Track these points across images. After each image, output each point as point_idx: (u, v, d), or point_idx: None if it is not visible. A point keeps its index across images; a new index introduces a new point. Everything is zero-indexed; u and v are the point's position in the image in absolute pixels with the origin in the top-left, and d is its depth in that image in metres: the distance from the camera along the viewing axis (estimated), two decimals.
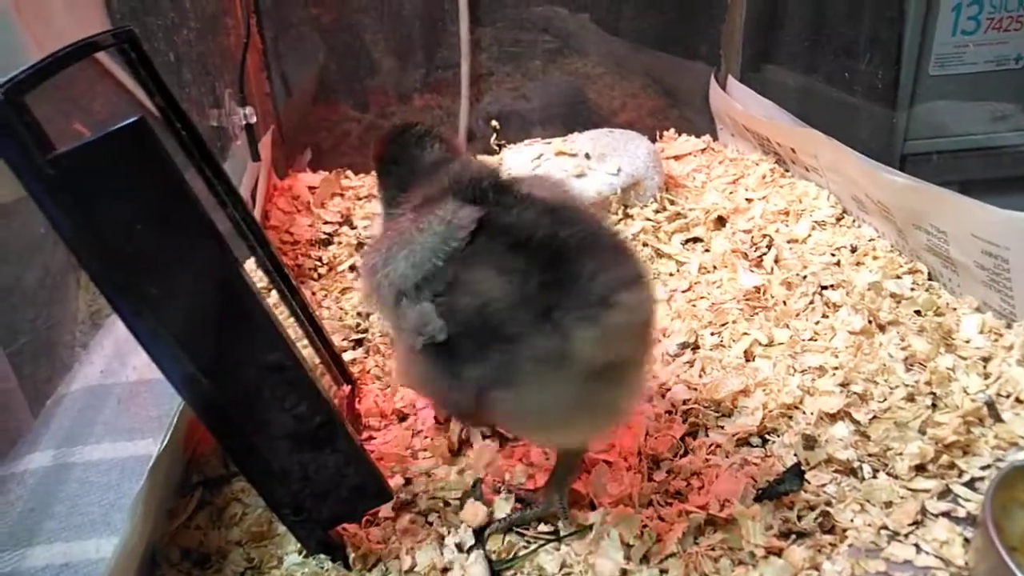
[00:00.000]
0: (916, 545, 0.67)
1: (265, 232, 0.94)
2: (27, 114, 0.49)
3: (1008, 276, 0.90)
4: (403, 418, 0.91)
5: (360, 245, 1.29)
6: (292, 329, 0.93)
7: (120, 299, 0.59)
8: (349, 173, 1.56)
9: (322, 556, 0.69)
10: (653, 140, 1.64)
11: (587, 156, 1.39)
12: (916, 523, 0.69)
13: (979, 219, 0.91)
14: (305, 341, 0.94)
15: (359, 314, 1.11)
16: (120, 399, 0.92)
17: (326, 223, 1.35)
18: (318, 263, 1.24)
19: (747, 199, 1.37)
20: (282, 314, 0.94)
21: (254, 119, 1.30)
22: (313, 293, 1.17)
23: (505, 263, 0.58)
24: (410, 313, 0.61)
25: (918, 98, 1.54)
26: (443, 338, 0.59)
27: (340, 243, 1.30)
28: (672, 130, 1.74)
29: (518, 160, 1.42)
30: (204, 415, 0.65)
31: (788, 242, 1.20)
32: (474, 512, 0.75)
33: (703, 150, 1.65)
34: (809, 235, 1.22)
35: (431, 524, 0.74)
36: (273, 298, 0.96)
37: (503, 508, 0.73)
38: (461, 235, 0.60)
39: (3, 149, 0.49)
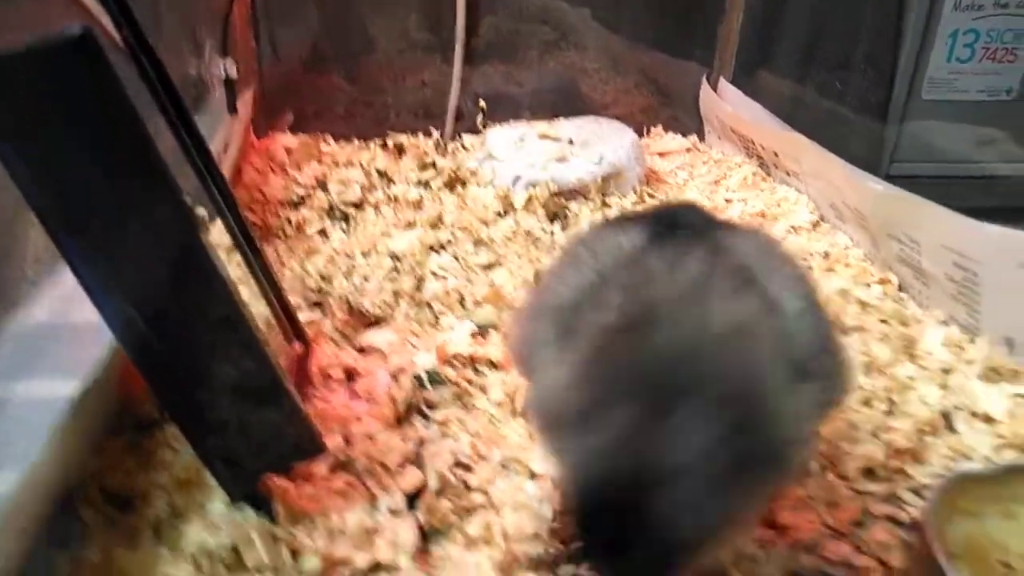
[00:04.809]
0: (855, 545, 0.65)
1: (230, 185, 0.91)
2: None
3: (976, 290, 0.89)
4: (352, 380, 0.88)
5: (332, 209, 1.26)
6: (249, 285, 0.90)
7: (62, 235, 0.57)
8: (329, 139, 1.53)
9: (247, 507, 0.66)
10: (640, 135, 1.62)
11: (571, 142, 1.37)
12: (858, 524, 0.67)
13: (952, 229, 0.90)
14: (261, 297, 0.92)
15: (322, 277, 1.09)
16: (61, 339, 0.89)
17: (300, 185, 1.32)
18: (287, 223, 1.21)
19: (727, 199, 1.35)
20: (239, 268, 0.92)
21: (235, 73, 1.27)
22: (277, 252, 1.14)
23: None
24: None
25: (908, 120, 1.54)
26: None
27: (312, 206, 1.27)
28: (660, 127, 1.73)
29: (500, 140, 1.40)
30: (143, 364, 0.63)
31: None
32: (412, 479, 0.73)
33: (688, 149, 1.64)
34: (784, 239, 1.21)
35: (366, 486, 0.72)
36: (231, 248, 0.93)
37: None
38: None
39: None
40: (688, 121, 1.76)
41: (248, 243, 0.90)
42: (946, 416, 0.80)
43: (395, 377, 0.89)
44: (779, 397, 0.44)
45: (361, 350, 0.94)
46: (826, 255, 1.14)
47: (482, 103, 1.63)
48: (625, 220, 0.63)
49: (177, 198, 0.59)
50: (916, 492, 0.71)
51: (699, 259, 0.49)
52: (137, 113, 0.55)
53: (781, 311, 0.49)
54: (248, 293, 0.92)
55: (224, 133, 1.23)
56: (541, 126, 1.42)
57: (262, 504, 0.68)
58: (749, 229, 0.63)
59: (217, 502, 0.68)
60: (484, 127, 1.57)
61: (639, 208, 1.31)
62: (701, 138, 1.70)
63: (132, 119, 0.55)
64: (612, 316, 0.46)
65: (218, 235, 0.95)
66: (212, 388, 0.65)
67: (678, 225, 0.57)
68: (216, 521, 0.66)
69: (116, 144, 0.55)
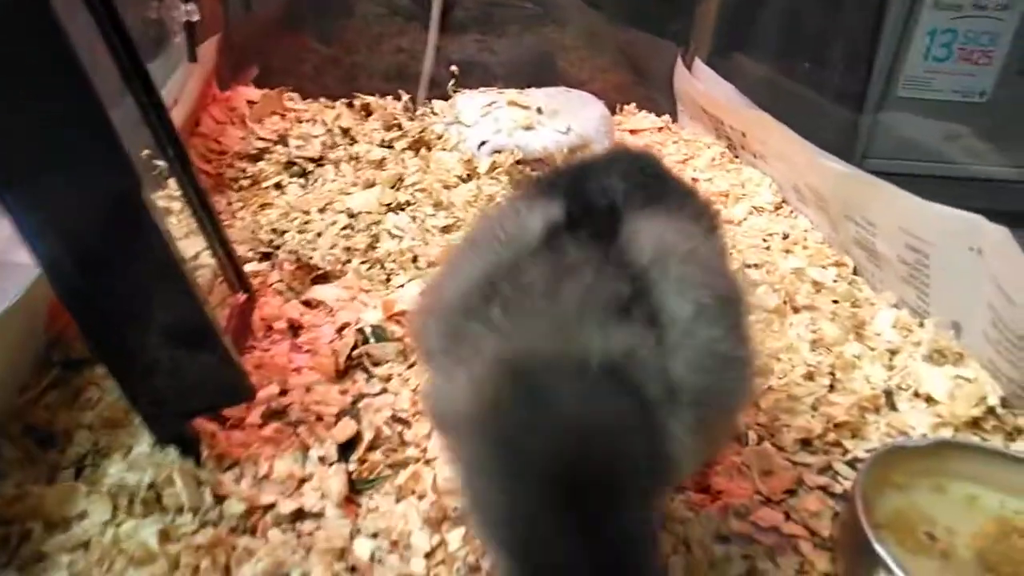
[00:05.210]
0: (786, 512, 0.65)
1: (184, 135, 0.89)
2: None
3: (927, 273, 0.89)
4: (296, 333, 0.87)
5: (291, 164, 1.24)
6: (198, 235, 0.88)
7: None
8: (295, 96, 1.50)
9: (172, 449, 0.64)
10: (613, 112, 1.61)
11: (539, 111, 1.35)
12: (790, 492, 0.67)
13: (906, 211, 0.90)
14: (204, 243, 0.89)
15: (274, 230, 1.07)
16: None
17: (260, 139, 1.29)
18: (242, 174, 1.19)
19: (692, 179, 1.35)
20: (183, 212, 0.90)
21: (196, 18, 1.23)
22: (230, 203, 1.12)
23: None
24: None
25: (882, 117, 1.53)
26: None
27: (270, 160, 1.24)
28: (633, 105, 1.72)
29: (469, 105, 1.38)
30: (73, 304, 0.61)
31: (725, 222, 1.18)
32: (346, 430, 0.72)
33: (660, 129, 1.63)
34: (745, 219, 1.20)
35: (298, 435, 0.71)
36: (177, 196, 0.91)
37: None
38: None
39: None
40: (662, 102, 1.75)
41: (196, 193, 0.88)
42: (888, 394, 0.80)
43: (340, 332, 0.87)
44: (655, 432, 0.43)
45: (307, 303, 0.93)
46: (785, 236, 1.14)
47: (454, 68, 1.61)
48: (539, 193, 0.58)
49: (116, 145, 0.57)
50: (852, 465, 0.71)
51: (580, 284, 0.46)
52: (77, 58, 0.53)
53: (664, 324, 0.46)
54: (196, 242, 0.90)
55: (181, 80, 1.20)
56: (511, 93, 1.41)
57: (189, 448, 0.66)
58: (677, 200, 0.59)
59: (143, 443, 0.66)
60: (454, 92, 1.54)
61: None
62: (674, 119, 1.69)
63: (71, 64, 0.53)
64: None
65: (173, 185, 0.93)
66: (142, 331, 0.63)
67: (590, 205, 0.54)
68: (139, 461, 0.64)
69: (54, 89, 0.53)
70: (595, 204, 0.54)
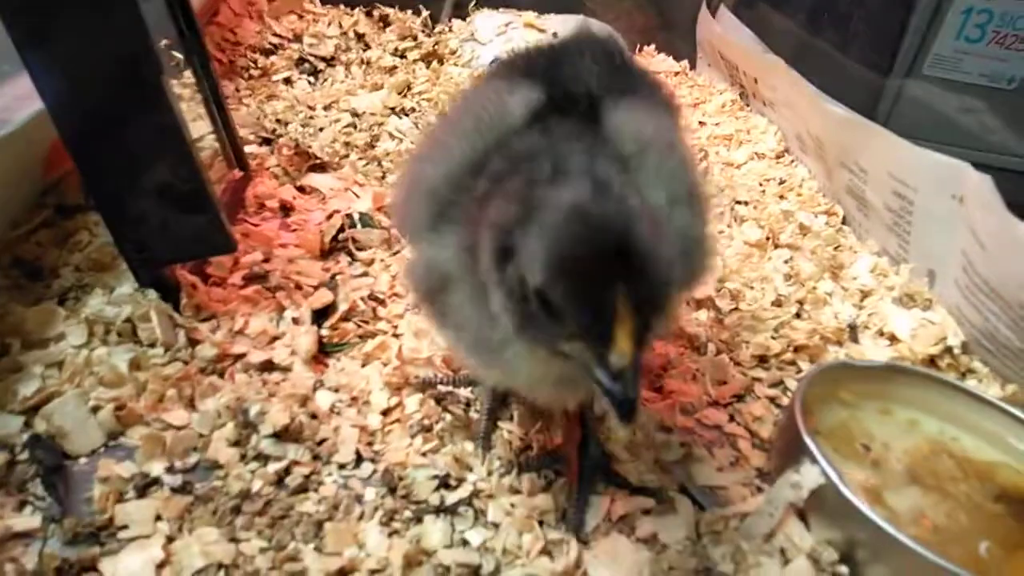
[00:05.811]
0: (731, 415, 0.68)
1: (199, 18, 0.90)
2: None
3: (910, 220, 0.90)
4: (287, 214, 0.89)
5: (303, 61, 1.25)
6: (197, 113, 0.90)
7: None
8: (315, 1, 1.50)
9: (153, 293, 0.67)
10: (633, 52, 1.60)
11: (555, 35, 1.35)
12: (738, 397, 0.70)
13: (897, 156, 0.91)
14: (209, 121, 0.91)
15: (278, 121, 1.08)
16: None
17: (275, 34, 1.30)
18: (253, 65, 1.20)
19: (700, 122, 1.35)
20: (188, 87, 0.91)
21: None
22: (238, 90, 1.13)
23: None
24: None
25: (905, 93, 1.51)
26: None
27: (282, 55, 1.25)
28: (654, 48, 1.71)
29: (486, 24, 1.38)
30: (78, 150, 0.63)
31: (724, 164, 1.19)
32: (321, 298, 0.74)
33: (676, 73, 1.62)
34: (745, 163, 1.21)
35: (276, 299, 0.73)
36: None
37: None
38: None
39: None
40: (682, 48, 1.73)
41: (208, 75, 0.90)
42: (852, 329, 0.82)
43: (329, 218, 0.89)
44: None
45: (301, 189, 0.95)
46: (781, 182, 1.15)
47: None
48: (518, 75, 0.58)
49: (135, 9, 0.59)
50: None
51: (575, 146, 0.47)
52: None
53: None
54: (201, 117, 0.92)
55: None
56: (528, 15, 1.40)
57: (170, 294, 0.69)
58: (649, 92, 0.60)
59: (125, 285, 0.69)
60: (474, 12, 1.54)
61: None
62: (692, 66, 1.68)
63: None
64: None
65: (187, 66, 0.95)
66: (140, 184, 0.66)
67: (569, 91, 0.54)
68: (119, 298, 0.67)
69: None
70: (574, 90, 0.55)
